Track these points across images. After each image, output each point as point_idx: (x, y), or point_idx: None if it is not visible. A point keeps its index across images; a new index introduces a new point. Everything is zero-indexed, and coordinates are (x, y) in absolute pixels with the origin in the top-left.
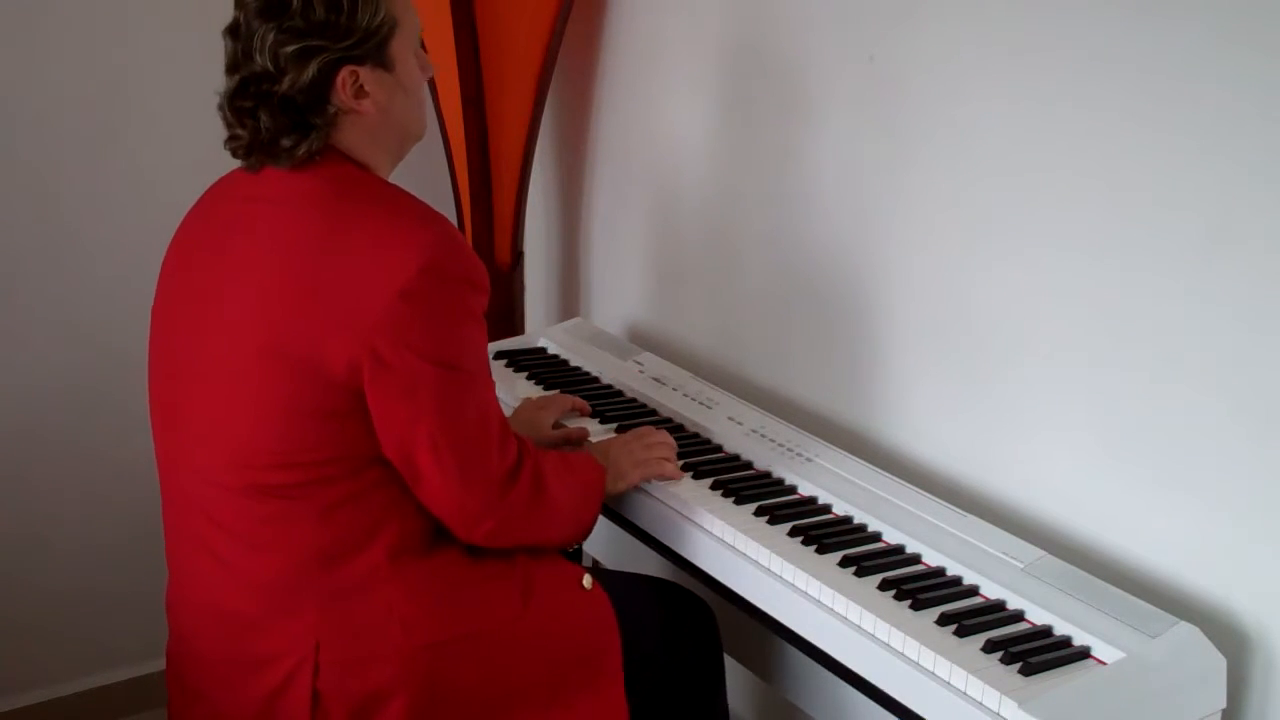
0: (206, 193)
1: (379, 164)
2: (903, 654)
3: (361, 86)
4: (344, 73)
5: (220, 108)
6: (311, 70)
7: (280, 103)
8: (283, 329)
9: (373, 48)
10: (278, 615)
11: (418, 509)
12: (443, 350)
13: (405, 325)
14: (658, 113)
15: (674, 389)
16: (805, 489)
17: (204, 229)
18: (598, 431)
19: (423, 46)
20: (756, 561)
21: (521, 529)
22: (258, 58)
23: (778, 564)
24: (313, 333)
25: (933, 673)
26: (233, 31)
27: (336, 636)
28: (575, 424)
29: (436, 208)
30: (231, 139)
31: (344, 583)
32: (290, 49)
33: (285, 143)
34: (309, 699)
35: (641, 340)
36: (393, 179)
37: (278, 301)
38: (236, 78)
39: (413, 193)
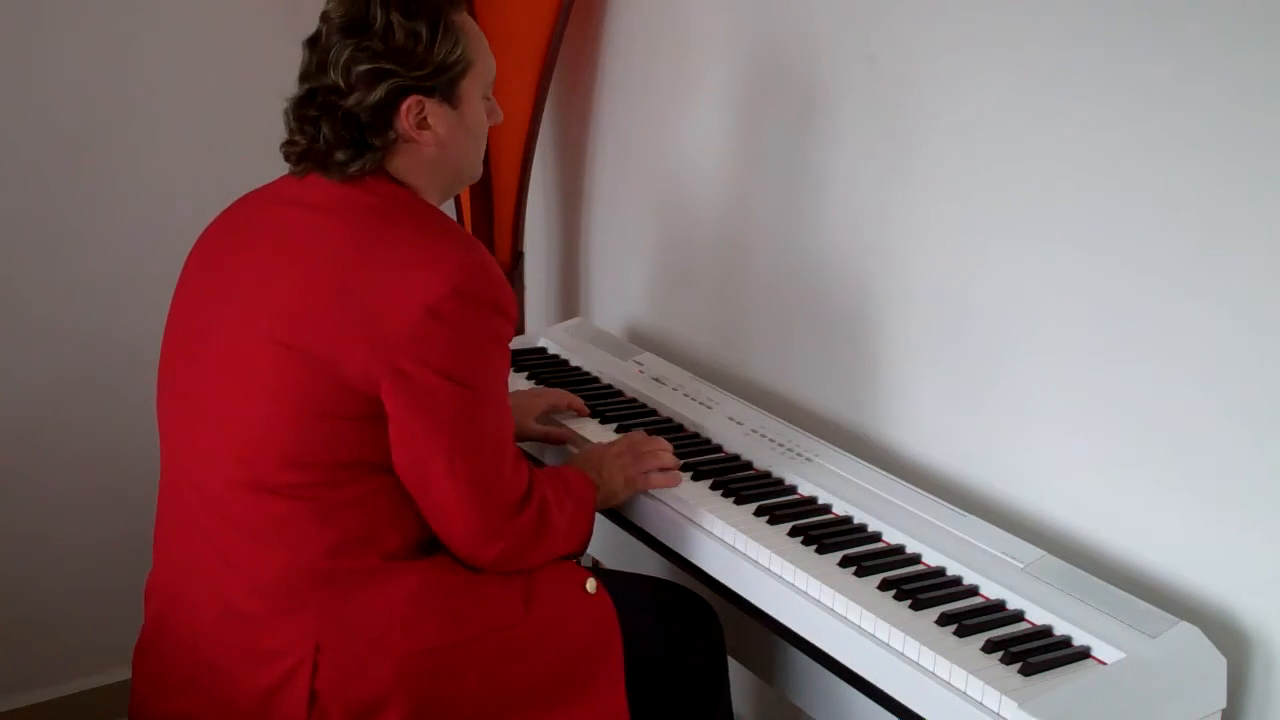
0: (248, 194)
1: (427, 195)
2: (903, 654)
3: (425, 118)
4: (410, 100)
5: (286, 113)
6: (379, 92)
7: (343, 117)
8: (305, 327)
9: (444, 82)
10: (278, 613)
11: (421, 515)
12: (464, 370)
13: (430, 342)
14: (658, 113)
15: (674, 389)
16: (805, 489)
17: (236, 226)
18: (597, 431)
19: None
20: (757, 561)
21: (525, 554)
22: (331, 72)
23: (778, 564)
24: (334, 336)
25: (933, 673)
26: (312, 42)
27: (336, 638)
28: (571, 424)
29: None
30: (288, 144)
31: (345, 585)
32: (363, 68)
33: (340, 156)
34: (306, 699)
35: (642, 340)
36: None
37: (304, 300)
38: (306, 87)
39: None
